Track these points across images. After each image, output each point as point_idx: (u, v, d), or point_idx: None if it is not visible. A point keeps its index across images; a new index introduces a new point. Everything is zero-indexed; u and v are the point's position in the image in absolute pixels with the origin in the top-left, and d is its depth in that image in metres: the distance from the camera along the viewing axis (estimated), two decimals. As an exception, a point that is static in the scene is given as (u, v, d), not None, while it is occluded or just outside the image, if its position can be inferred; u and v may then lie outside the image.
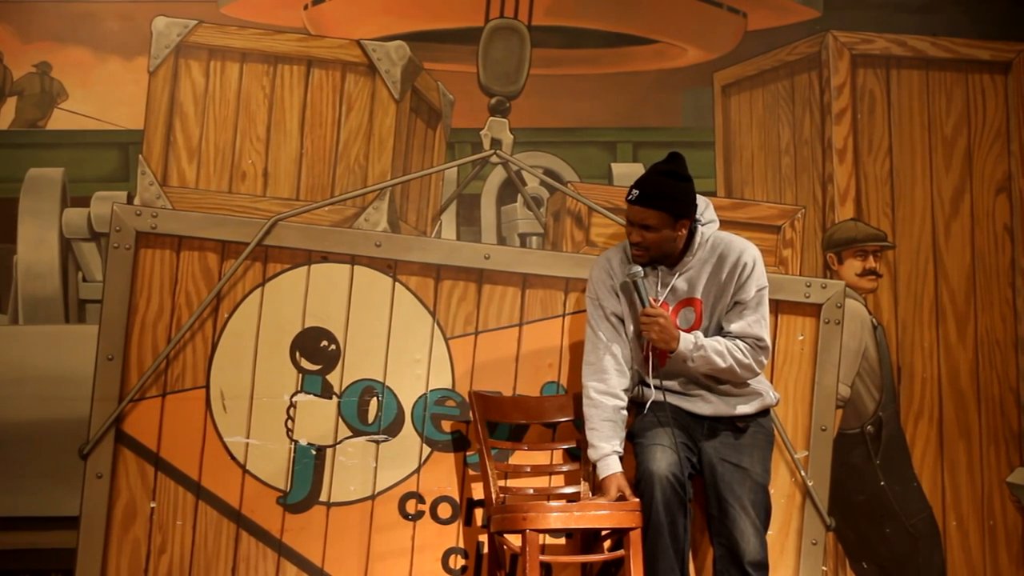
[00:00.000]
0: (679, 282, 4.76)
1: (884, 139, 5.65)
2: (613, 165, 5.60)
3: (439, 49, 5.59)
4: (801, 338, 5.39)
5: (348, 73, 5.49)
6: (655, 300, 4.74)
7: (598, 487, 4.80)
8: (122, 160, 5.48)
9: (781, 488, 5.34)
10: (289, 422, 5.26)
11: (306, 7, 5.57)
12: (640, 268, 4.71)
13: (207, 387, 5.26)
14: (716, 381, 4.75)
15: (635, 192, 4.68)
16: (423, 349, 5.31)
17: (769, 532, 5.27)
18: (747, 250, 4.76)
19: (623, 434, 4.79)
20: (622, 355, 4.82)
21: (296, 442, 5.26)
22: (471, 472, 5.25)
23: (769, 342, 4.75)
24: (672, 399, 4.78)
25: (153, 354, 5.26)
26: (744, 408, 4.77)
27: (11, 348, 5.35)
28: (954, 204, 5.65)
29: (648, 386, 4.80)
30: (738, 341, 4.70)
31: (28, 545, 5.28)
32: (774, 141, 5.64)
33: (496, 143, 5.55)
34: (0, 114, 5.50)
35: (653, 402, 4.76)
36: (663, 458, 4.64)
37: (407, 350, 5.31)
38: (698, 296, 4.76)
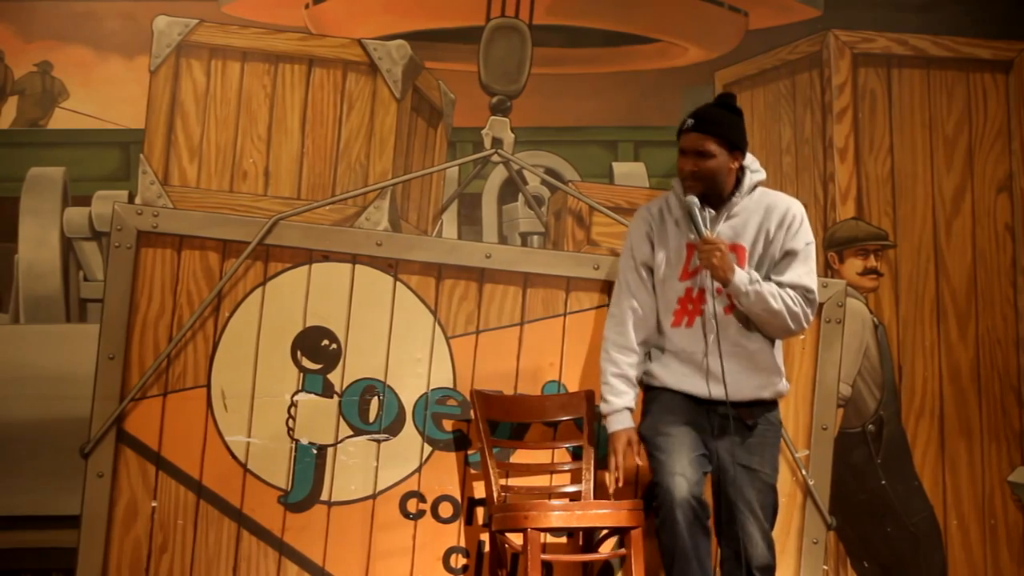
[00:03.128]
0: (724, 227, 4.65)
1: (885, 138, 5.65)
2: (614, 164, 5.60)
3: (440, 48, 5.59)
4: (802, 337, 5.38)
5: (349, 72, 5.49)
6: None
7: (608, 442, 4.71)
8: (123, 159, 5.48)
9: (782, 487, 5.31)
10: (290, 421, 5.26)
11: (307, 6, 5.57)
12: (695, 198, 4.59)
13: (208, 386, 5.26)
14: (755, 337, 4.62)
15: (690, 121, 4.62)
16: (424, 348, 5.31)
17: (770, 531, 5.29)
18: (795, 204, 4.71)
19: (636, 388, 4.72)
20: (645, 306, 4.73)
21: (297, 441, 5.26)
22: (472, 471, 5.25)
23: (818, 298, 4.66)
24: (686, 383, 4.64)
25: (154, 353, 5.25)
26: (763, 392, 4.65)
27: (12, 347, 5.35)
28: (955, 203, 5.65)
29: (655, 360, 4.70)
30: (788, 290, 4.60)
31: (29, 544, 5.28)
32: (775, 140, 5.64)
33: (497, 142, 5.55)
34: (1, 113, 5.50)
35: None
36: (683, 480, 4.50)
37: (408, 349, 5.31)
38: (743, 243, 4.66)
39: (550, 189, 5.54)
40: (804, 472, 5.34)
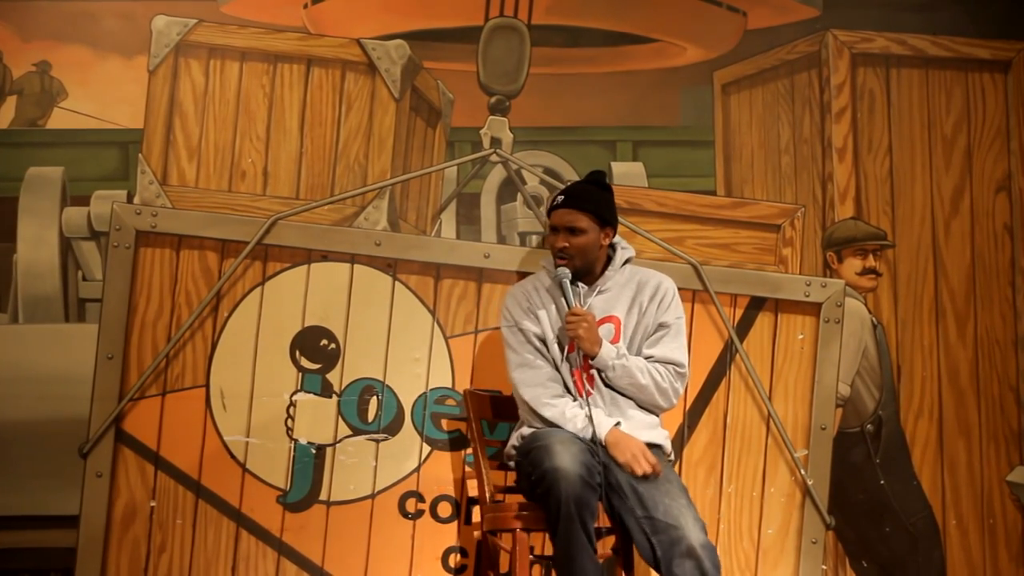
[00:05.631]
0: (596, 301, 4.68)
1: (884, 138, 5.65)
2: (613, 164, 5.60)
3: (439, 48, 5.59)
4: (801, 337, 5.39)
5: (348, 72, 5.50)
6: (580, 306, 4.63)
7: (613, 447, 4.49)
8: (122, 159, 5.48)
9: (781, 487, 5.34)
10: (289, 421, 5.26)
11: (306, 6, 5.57)
12: (567, 270, 4.62)
13: (207, 386, 5.26)
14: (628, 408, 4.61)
15: (561, 197, 4.67)
16: (423, 348, 5.31)
17: (769, 531, 5.29)
18: (666, 279, 4.75)
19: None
20: (552, 371, 4.66)
21: (296, 441, 5.26)
22: (470, 471, 5.25)
23: (688, 371, 4.67)
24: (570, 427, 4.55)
25: (153, 353, 5.26)
26: (650, 435, 4.57)
27: (11, 347, 5.35)
28: (954, 203, 5.65)
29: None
30: (658, 365, 4.62)
31: (28, 544, 5.28)
32: (774, 140, 5.64)
33: (496, 142, 5.55)
34: (0, 113, 5.50)
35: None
36: (570, 458, 4.33)
37: (407, 349, 5.31)
38: (617, 315, 4.67)
39: (549, 189, 5.54)
40: (803, 472, 5.35)
